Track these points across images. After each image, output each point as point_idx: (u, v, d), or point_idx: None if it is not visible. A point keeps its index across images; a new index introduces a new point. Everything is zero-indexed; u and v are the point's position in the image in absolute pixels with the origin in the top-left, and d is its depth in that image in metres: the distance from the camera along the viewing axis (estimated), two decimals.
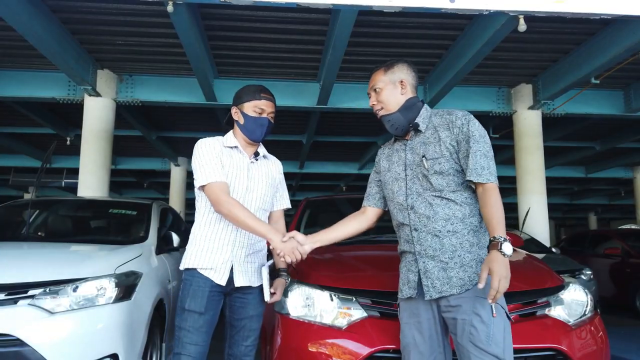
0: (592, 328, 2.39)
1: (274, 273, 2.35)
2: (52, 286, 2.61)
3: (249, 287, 2.26)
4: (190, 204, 19.62)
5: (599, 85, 7.26)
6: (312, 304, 2.31)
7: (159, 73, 8.02)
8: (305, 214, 3.77)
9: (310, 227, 3.71)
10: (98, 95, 7.82)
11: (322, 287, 2.33)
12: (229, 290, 2.23)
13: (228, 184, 2.22)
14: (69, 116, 9.81)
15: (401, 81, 2.04)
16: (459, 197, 1.91)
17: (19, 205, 3.91)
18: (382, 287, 2.30)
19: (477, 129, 1.92)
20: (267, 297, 2.22)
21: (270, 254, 2.38)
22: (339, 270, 2.55)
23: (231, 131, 2.39)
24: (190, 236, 2.30)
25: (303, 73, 7.85)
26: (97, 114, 7.93)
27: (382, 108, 2.07)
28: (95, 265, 2.87)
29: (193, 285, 2.16)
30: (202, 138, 2.32)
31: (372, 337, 2.11)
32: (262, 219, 2.32)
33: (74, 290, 2.66)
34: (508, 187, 12.01)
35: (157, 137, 11.05)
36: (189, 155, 10.64)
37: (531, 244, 7.54)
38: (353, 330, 2.15)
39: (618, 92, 8.45)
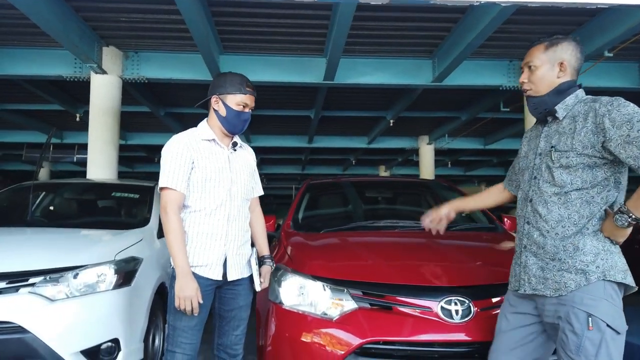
0: None
1: (258, 260, 2.36)
2: (53, 274, 2.66)
3: (240, 279, 2.28)
4: None
5: (612, 58, 7.04)
6: (305, 294, 2.32)
7: (164, 49, 7.94)
8: (306, 197, 3.74)
9: (310, 210, 3.71)
10: (104, 72, 7.79)
11: (315, 278, 2.34)
12: (221, 284, 2.24)
13: (213, 179, 2.21)
14: (78, 93, 9.82)
15: (561, 63, 1.85)
16: (582, 197, 1.77)
17: (23, 189, 3.96)
18: (374, 278, 2.31)
19: (626, 114, 1.66)
20: (257, 287, 2.25)
21: (252, 243, 2.40)
22: (333, 260, 2.55)
23: (205, 121, 2.33)
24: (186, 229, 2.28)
25: (309, 48, 7.72)
26: (104, 92, 7.92)
27: (530, 89, 1.91)
28: (95, 252, 2.91)
29: None
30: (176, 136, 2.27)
31: (362, 328, 2.12)
32: (245, 210, 2.34)
33: (75, 277, 2.71)
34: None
35: (165, 113, 11.05)
36: None
37: None
38: (344, 322, 2.16)
39: (633, 65, 8.20)
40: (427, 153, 14.92)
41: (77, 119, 10.72)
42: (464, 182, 26.66)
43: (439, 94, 9.47)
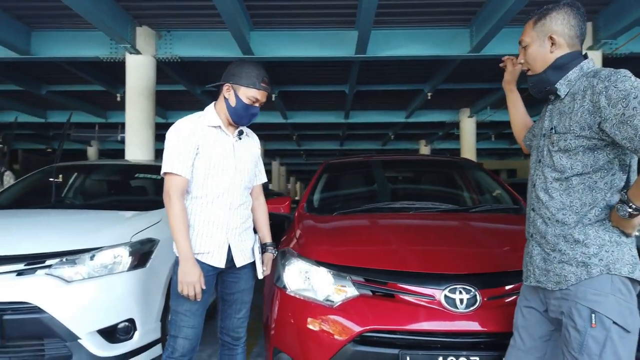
0: None
1: (260, 248, 2.34)
2: (69, 256, 2.73)
3: (242, 264, 2.26)
4: None
5: None
6: (308, 280, 2.28)
7: (195, 27, 7.97)
8: (323, 177, 3.67)
9: (327, 191, 3.63)
10: (138, 53, 7.90)
11: (318, 263, 2.29)
12: (222, 270, 2.23)
13: (216, 166, 2.18)
14: (116, 73, 10.04)
15: (551, 36, 1.69)
16: (584, 182, 1.62)
17: (48, 172, 4.10)
18: (377, 264, 2.23)
19: (623, 90, 1.48)
20: (260, 275, 2.24)
21: (254, 230, 2.38)
22: (338, 245, 2.48)
23: (212, 105, 2.28)
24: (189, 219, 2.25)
25: (339, 21, 7.54)
26: (138, 72, 8.05)
27: (528, 69, 1.78)
28: (111, 234, 2.96)
29: None
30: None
31: (363, 316, 2.06)
32: (248, 197, 2.31)
33: (91, 259, 2.77)
34: None
35: (201, 92, 11.17)
36: None
37: None
38: (344, 309, 2.10)
39: None
40: (468, 126, 14.47)
41: (118, 98, 10.99)
42: (509, 155, 25.77)
43: (478, 65, 9.07)
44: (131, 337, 2.81)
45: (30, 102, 13.16)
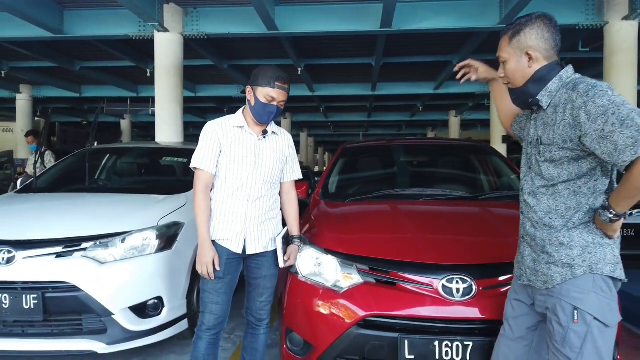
0: None
1: (287, 239, 2.52)
2: (102, 239, 3.00)
3: (264, 252, 2.46)
4: None
5: None
6: (318, 266, 2.45)
7: (221, 4, 8.03)
8: (339, 162, 3.78)
9: (342, 176, 3.74)
10: (166, 30, 8.05)
11: (327, 251, 2.45)
12: (246, 255, 2.44)
13: (236, 162, 2.38)
14: (146, 50, 10.24)
15: (527, 52, 1.76)
16: (569, 188, 1.71)
17: (82, 155, 4.37)
18: (380, 254, 2.38)
19: (601, 106, 1.55)
20: (281, 264, 2.44)
21: (284, 222, 2.56)
22: (346, 233, 2.63)
23: (242, 108, 2.49)
24: (212, 208, 2.45)
25: None
26: (166, 50, 8.22)
27: (508, 83, 1.85)
28: (140, 218, 3.20)
29: None
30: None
31: (366, 302, 2.22)
32: (270, 191, 2.49)
33: (122, 241, 3.03)
34: None
35: (228, 66, 11.30)
36: None
37: None
38: (351, 295, 2.26)
39: None
40: None
41: (148, 74, 11.23)
42: None
43: None
44: (159, 313, 3.08)
45: (65, 77, 13.57)
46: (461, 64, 2.24)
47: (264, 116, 2.38)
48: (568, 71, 1.76)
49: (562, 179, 1.72)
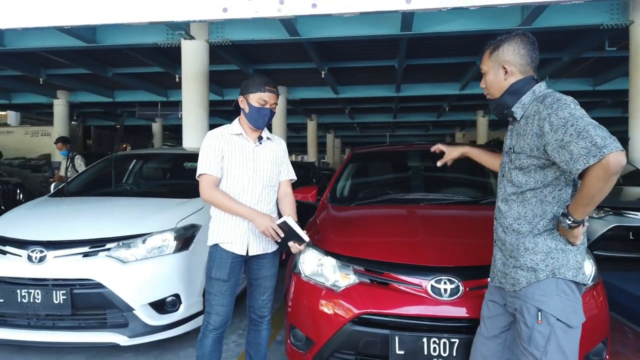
0: (595, 293, 2.41)
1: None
2: (125, 240, 3.26)
3: (264, 254, 2.63)
4: (291, 127, 20.46)
5: None
6: (319, 267, 2.62)
7: None
8: (349, 167, 3.93)
9: (351, 181, 3.90)
10: (192, 38, 8.36)
11: (327, 253, 2.62)
12: (248, 257, 2.61)
13: (236, 167, 2.54)
14: (174, 56, 10.62)
15: (503, 66, 1.90)
16: (536, 196, 1.83)
17: (110, 161, 4.69)
18: (375, 256, 2.54)
19: (562, 118, 1.67)
20: (305, 238, 2.42)
21: (279, 214, 2.66)
22: (346, 236, 2.79)
23: (238, 118, 2.67)
24: (211, 213, 2.64)
25: None
26: (193, 57, 8.54)
27: (488, 93, 2.00)
28: (159, 220, 3.45)
29: (217, 258, 2.55)
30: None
31: (362, 300, 2.38)
32: (270, 195, 2.64)
33: (143, 242, 3.28)
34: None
35: (253, 70, 11.58)
36: (286, 84, 10.78)
37: (637, 177, 6.91)
38: (347, 294, 2.43)
39: None
40: None
41: (177, 79, 11.61)
42: None
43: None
44: (177, 309, 3.31)
45: (99, 83, 14.17)
46: (432, 148, 2.54)
47: (259, 120, 2.55)
48: (541, 86, 1.89)
49: (530, 187, 1.84)
